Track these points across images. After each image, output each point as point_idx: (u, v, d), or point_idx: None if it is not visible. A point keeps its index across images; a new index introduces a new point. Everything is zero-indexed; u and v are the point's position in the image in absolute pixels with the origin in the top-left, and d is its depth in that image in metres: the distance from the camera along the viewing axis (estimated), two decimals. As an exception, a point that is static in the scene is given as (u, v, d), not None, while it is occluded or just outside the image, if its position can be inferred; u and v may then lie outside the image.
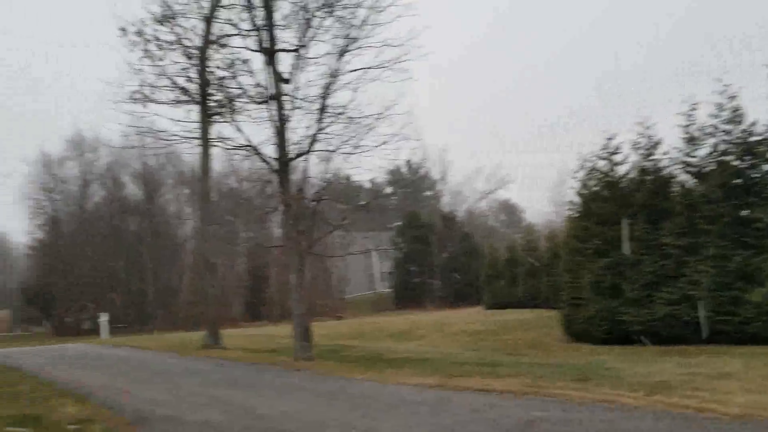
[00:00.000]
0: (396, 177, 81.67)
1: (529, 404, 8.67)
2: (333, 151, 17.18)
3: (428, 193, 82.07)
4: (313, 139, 16.84)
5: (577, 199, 21.46)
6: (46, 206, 54.06)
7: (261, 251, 54.64)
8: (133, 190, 58.36)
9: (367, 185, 78.28)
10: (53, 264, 51.87)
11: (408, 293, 61.87)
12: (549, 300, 29.52)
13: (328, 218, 18.65)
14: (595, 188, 20.75)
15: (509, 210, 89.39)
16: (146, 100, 19.90)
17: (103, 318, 34.80)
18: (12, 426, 8.11)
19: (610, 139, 20.39)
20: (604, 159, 20.74)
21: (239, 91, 18.67)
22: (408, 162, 78.81)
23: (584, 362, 14.15)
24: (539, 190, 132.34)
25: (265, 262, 56.45)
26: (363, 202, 20.48)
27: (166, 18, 20.08)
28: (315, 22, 17.26)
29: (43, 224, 55.26)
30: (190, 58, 20.38)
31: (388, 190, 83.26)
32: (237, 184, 48.05)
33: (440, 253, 62.13)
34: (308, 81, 17.33)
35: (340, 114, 17.09)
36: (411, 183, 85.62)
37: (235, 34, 19.06)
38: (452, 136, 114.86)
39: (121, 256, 54.26)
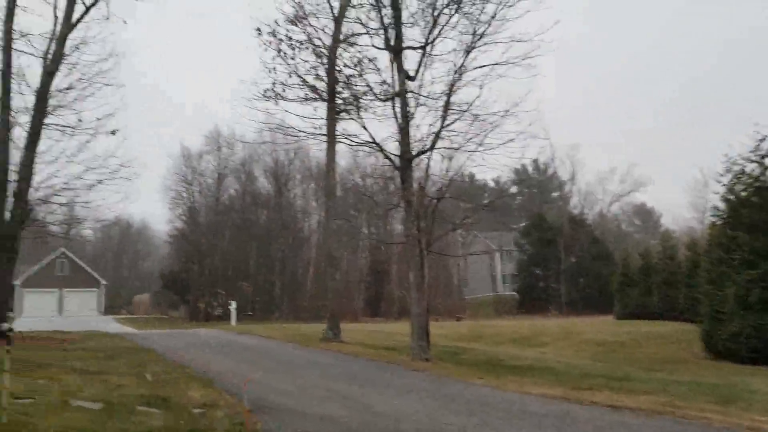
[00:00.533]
0: (522, 176, 79.77)
1: (663, 425, 7.95)
2: (457, 148, 16.90)
3: (556, 194, 79.49)
4: (437, 137, 16.62)
5: (722, 205, 19.80)
6: (185, 197, 57.77)
7: (383, 247, 55.38)
8: (264, 184, 61.08)
9: (492, 184, 77.29)
10: (190, 252, 55.22)
11: (532, 297, 60.20)
12: (687, 312, 27.71)
13: (449, 217, 18.38)
14: (743, 194, 19.04)
15: (644, 214, 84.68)
16: (278, 97, 20.54)
17: (233, 306, 36.58)
18: (143, 406, 8.52)
19: (761, 140, 18.62)
20: (754, 162, 18.99)
21: (365, 89, 18.80)
22: (535, 161, 76.74)
23: (727, 382, 12.94)
24: (679, 193, 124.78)
25: (387, 258, 57.08)
26: (486, 201, 19.98)
27: (299, 18, 20.61)
28: (442, 19, 17.03)
29: (182, 214, 59.05)
30: (319, 56, 20.79)
31: (513, 189, 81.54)
32: (361, 180, 48.88)
33: (567, 257, 59.91)
34: (433, 78, 17.16)
35: (464, 111, 16.75)
36: (538, 183, 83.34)
37: (363, 33, 19.29)
38: (584, 132, 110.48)
39: (251, 247, 56.90)
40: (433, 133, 16.71)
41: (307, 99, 21.18)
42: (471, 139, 16.83)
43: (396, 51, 17.25)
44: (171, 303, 65.57)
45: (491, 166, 16.93)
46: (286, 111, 20.10)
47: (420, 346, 16.18)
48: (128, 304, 75.38)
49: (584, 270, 58.55)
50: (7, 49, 18.26)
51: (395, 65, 17.22)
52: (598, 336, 25.43)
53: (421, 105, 17.13)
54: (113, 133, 19.97)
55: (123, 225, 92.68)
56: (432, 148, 16.68)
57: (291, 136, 20.75)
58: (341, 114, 20.32)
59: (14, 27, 18.47)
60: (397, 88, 17.14)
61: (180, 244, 58.67)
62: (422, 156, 16.82)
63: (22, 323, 42.11)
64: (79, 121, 19.33)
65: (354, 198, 56.75)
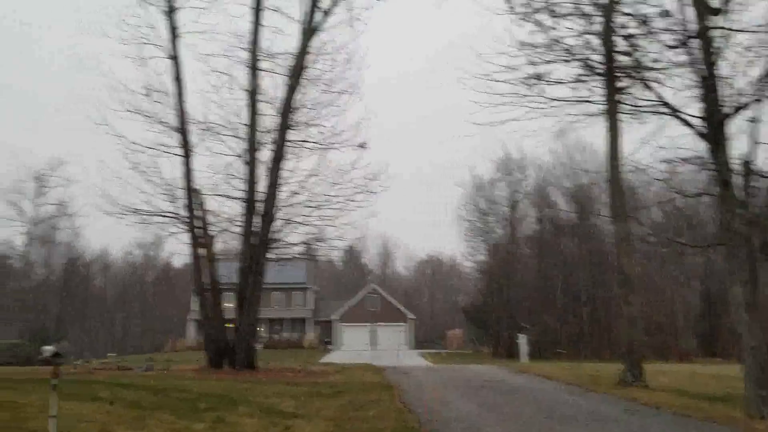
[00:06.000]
0: None
1: None
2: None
3: None
4: (763, 84, 11.09)
5: None
6: (480, 228, 55.32)
7: (719, 274, 45.85)
8: (565, 208, 55.78)
9: None
10: (490, 285, 52.70)
11: None
12: None
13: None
14: None
15: None
16: (540, 80, 16.80)
17: (522, 341, 32.60)
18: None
19: None
20: None
21: (652, 44, 14.03)
22: None
23: None
24: None
25: (723, 286, 47.20)
26: None
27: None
28: None
29: (480, 246, 56.78)
30: (591, 23, 16.56)
31: None
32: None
33: None
34: (742, 2, 11.74)
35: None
36: None
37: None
38: None
39: (556, 277, 52.16)
40: (757, 79, 11.25)
41: (578, 81, 17.04)
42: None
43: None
44: (481, 338, 63.82)
45: None
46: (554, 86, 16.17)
47: (759, 397, 10.75)
48: (442, 338, 76.16)
49: None
50: (253, 70, 17.91)
51: (692, -3, 12.19)
52: None
53: (733, 46, 11.82)
54: (362, 146, 18.28)
55: (434, 262, 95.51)
56: (756, 100, 11.17)
57: (563, 120, 16.61)
58: (622, 86, 15.69)
59: (258, 48, 18.10)
60: (695, 27, 12.10)
61: (481, 277, 56.69)
62: (741, 114, 11.35)
63: (337, 355, 43.97)
64: (321, 134, 18.14)
65: (674, 219, 48.66)
